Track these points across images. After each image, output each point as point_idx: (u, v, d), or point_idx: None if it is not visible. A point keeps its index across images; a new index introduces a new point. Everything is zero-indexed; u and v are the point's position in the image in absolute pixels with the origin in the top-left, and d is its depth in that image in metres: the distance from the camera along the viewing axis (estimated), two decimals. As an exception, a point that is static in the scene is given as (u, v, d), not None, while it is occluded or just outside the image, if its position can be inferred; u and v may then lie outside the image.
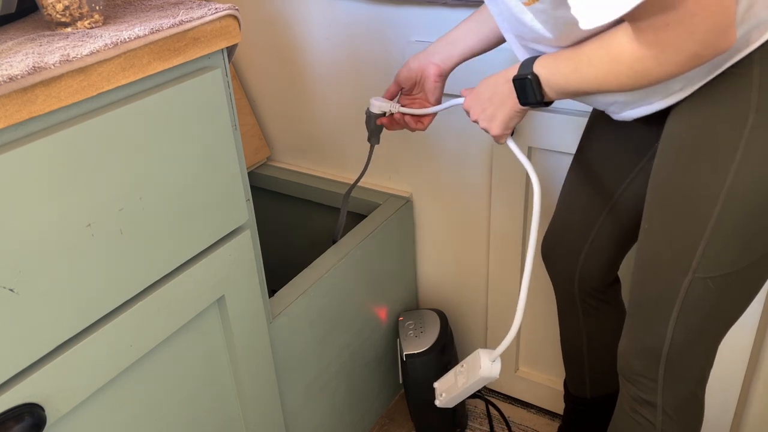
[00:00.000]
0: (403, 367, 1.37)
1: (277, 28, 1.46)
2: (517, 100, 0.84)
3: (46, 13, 0.75)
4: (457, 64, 1.00)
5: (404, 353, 1.34)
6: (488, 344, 1.54)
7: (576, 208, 1.07)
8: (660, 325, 0.84)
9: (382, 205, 1.44)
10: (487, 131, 0.91)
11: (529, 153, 1.26)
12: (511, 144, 0.93)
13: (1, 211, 0.65)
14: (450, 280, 1.52)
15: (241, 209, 0.94)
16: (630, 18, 0.65)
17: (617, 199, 1.01)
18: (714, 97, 0.76)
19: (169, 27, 0.77)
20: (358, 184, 1.24)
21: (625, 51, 0.68)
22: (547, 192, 1.27)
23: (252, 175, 1.60)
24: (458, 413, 1.43)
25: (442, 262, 1.51)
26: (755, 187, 0.74)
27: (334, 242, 1.30)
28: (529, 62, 0.80)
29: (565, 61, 0.76)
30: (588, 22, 0.65)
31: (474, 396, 1.53)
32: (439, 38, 1.00)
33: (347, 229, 1.34)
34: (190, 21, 0.79)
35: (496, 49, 0.99)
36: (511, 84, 0.83)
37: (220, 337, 0.97)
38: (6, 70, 0.63)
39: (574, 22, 0.67)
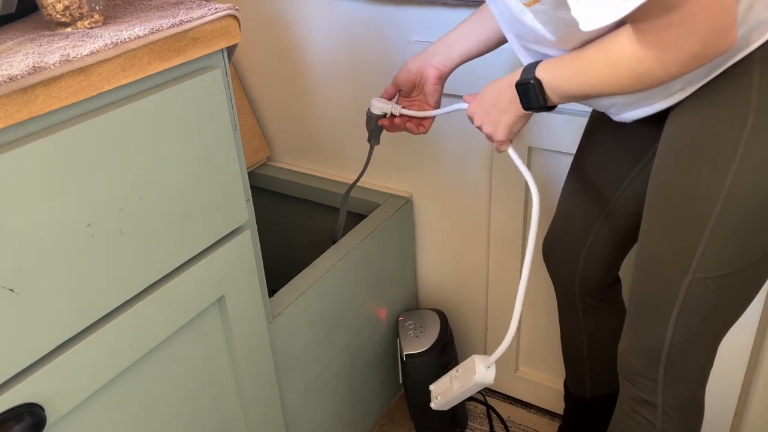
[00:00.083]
0: (403, 367, 1.37)
1: (277, 28, 1.45)
2: (520, 105, 0.84)
3: (46, 13, 0.75)
4: (457, 66, 1.00)
5: (404, 353, 1.34)
6: (488, 344, 1.54)
7: (576, 209, 1.07)
8: (660, 325, 0.84)
9: (382, 205, 1.43)
10: (490, 137, 0.91)
11: (529, 153, 1.26)
12: (512, 153, 0.93)
13: (1, 211, 0.65)
14: (450, 280, 1.52)
15: (241, 209, 0.94)
16: (631, 19, 0.65)
17: (617, 199, 1.01)
18: (714, 97, 0.76)
19: (169, 27, 0.77)
20: (358, 184, 1.24)
21: (626, 53, 0.68)
22: (547, 193, 1.27)
23: (252, 175, 1.60)
24: (458, 413, 1.43)
25: (442, 262, 1.50)
26: (755, 187, 0.74)
27: (334, 242, 1.30)
28: (531, 67, 0.80)
29: (567, 65, 0.76)
30: (588, 23, 0.65)
31: (472, 399, 1.53)
32: (437, 40, 1.00)
33: (347, 229, 1.34)
34: (190, 21, 0.79)
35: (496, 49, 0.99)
36: (515, 89, 0.83)
37: (220, 337, 0.97)
38: (6, 70, 0.63)
39: (575, 24, 0.66)
